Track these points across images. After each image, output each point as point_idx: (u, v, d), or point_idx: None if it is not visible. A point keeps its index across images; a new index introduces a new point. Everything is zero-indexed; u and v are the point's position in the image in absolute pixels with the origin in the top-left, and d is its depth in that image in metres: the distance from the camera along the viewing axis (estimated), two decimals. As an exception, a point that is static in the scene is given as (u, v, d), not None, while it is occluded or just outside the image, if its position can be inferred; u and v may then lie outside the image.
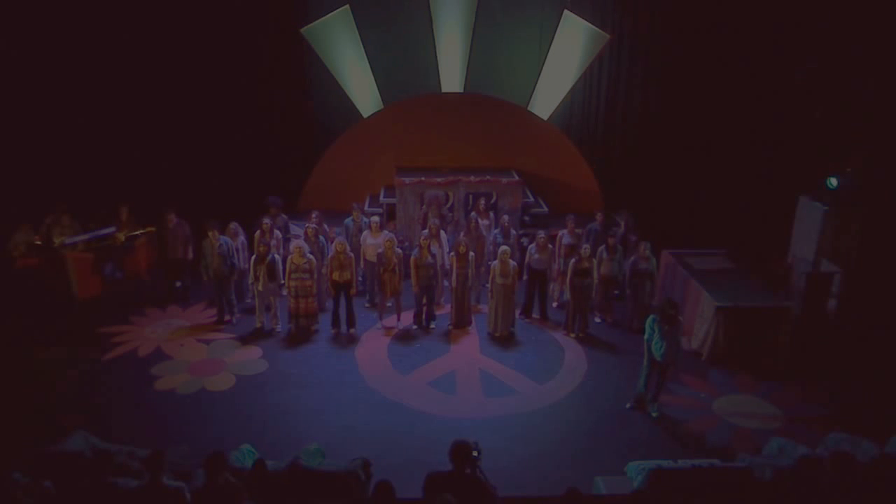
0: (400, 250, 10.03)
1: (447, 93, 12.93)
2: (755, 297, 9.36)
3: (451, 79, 12.90)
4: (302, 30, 12.25)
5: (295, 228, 11.34)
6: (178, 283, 11.03)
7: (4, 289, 9.96)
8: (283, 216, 11.18)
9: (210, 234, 9.84)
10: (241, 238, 10.51)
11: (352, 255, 9.81)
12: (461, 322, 10.11)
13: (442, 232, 10.65)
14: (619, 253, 10.15)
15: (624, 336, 10.00)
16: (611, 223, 11.32)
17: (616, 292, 10.51)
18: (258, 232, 10.23)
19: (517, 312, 10.24)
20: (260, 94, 12.92)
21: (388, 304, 10.20)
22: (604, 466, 6.63)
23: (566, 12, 12.42)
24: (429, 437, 7.48)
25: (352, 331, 9.95)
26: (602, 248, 10.08)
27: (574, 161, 13.05)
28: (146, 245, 11.05)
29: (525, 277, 10.37)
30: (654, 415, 8.02)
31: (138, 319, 10.26)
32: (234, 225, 10.46)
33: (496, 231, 10.72)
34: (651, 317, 7.79)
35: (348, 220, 10.83)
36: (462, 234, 10.67)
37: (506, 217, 10.81)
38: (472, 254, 9.86)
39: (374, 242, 10.18)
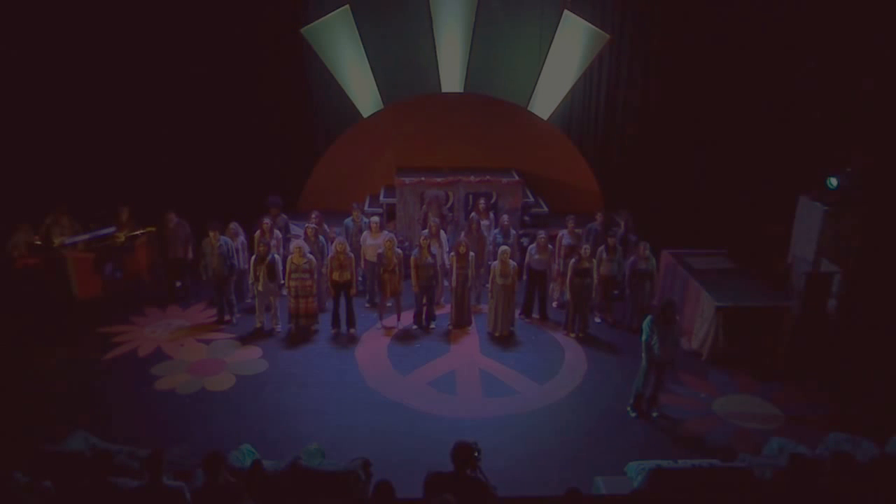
0: (400, 250, 10.03)
1: (447, 93, 12.92)
2: (755, 297, 9.36)
3: (451, 79, 12.90)
4: (302, 30, 12.24)
5: (295, 228, 11.34)
6: (178, 283, 11.03)
7: (4, 289, 9.95)
8: (284, 216, 11.18)
9: (211, 234, 9.84)
10: (241, 238, 10.51)
11: (352, 255, 9.81)
12: (461, 322, 10.11)
13: (442, 232, 10.65)
14: (619, 253, 10.15)
15: (624, 336, 10.00)
16: (611, 223, 11.31)
17: (616, 292, 10.50)
18: (258, 232, 10.23)
19: (517, 312, 10.25)
20: (260, 94, 12.91)
21: (388, 304, 10.20)
22: (604, 466, 6.63)
23: (566, 12, 12.42)
24: (429, 437, 7.49)
25: (352, 331, 9.95)
26: (602, 248, 10.08)
27: (574, 161, 13.04)
28: (146, 245, 11.04)
29: (525, 277, 10.37)
30: (654, 415, 8.02)
31: (138, 319, 10.27)
32: (234, 225, 10.46)
33: (496, 231, 10.72)
34: (648, 318, 7.79)
35: (348, 220, 10.83)
36: (462, 234, 10.67)
37: (506, 217, 10.81)
38: (472, 254, 9.86)
39: (374, 242, 10.18)
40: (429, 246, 9.86)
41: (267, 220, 10.40)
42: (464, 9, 12.44)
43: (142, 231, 10.98)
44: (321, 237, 10.37)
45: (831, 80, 11.75)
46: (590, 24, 12.44)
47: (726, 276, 9.95)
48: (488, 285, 9.87)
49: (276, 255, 9.93)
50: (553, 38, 12.59)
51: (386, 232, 10.55)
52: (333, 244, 9.73)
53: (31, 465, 5.37)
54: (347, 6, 12.33)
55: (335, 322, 9.96)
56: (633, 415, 8.03)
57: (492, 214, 11.34)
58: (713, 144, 13.06)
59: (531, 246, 10.20)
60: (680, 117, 13.19)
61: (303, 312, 9.73)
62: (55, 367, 8.96)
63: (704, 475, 5.66)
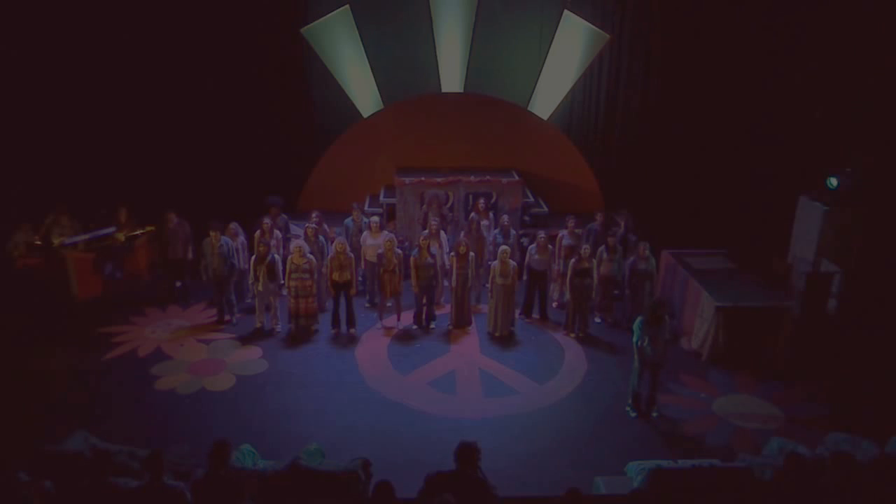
0: (400, 250, 10.03)
1: (447, 93, 12.92)
2: (755, 297, 9.35)
3: (451, 79, 12.90)
4: (302, 30, 12.24)
5: (295, 228, 11.34)
6: (178, 283, 11.03)
7: (4, 289, 9.96)
8: (284, 216, 11.18)
9: (212, 234, 9.83)
10: (241, 238, 10.51)
11: (352, 255, 9.81)
12: (461, 322, 10.11)
13: (442, 232, 10.65)
14: (619, 253, 10.15)
15: (624, 336, 9.97)
16: (611, 223, 11.31)
17: (616, 292, 10.50)
18: (258, 232, 10.23)
19: (517, 312, 10.25)
20: (260, 94, 12.91)
21: (388, 305, 10.20)
22: (604, 466, 6.64)
23: (566, 12, 12.41)
24: (429, 437, 7.49)
25: (352, 331, 9.95)
26: (602, 248, 10.07)
27: (574, 161, 13.04)
28: (146, 245, 11.05)
29: (525, 278, 10.37)
30: (653, 415, 8.02)
31: (138, 319, 10.26)
32: (234, 225, 10.46)
33: (496, 231, 10.72)
34: (638, 319, 7.79)
35: (348, 220, 10.83)
36: (462, 234, 10.67)
37: (506, 217, 10.81)
38: (472, 254, 9.86)
39: (374, 243, 10.18)
40: (428, 246, 9.86)
41: (267, 220, 10.40)
42: (464, 9, 12.44)
43: (142, 231, 10.98)
44: (321, 237, 10.37)
45: (831, 81, 11.75)
46: (590, 24, 12.43)
47: (726, 276, 9.95)
48: (488, 285, 9.87)
49: (276, 255, 9.93)
50: (553, 38, 12.58)
51: (386, 232, 10.55)
52: (333, 244, 9.73)
53: (31, 465, 5.37)
54: (347, 6, 12.33)
55: (335, 322, 9.96)
56: (633, 415, 8.03)
57: (492, 214, 11.34)
58: (713, 144, 13.06)
59: (531, 246, 10.20)
60: (680, 117, 13.18)
61: (303, 312, 9.73)
62: (55, 366, 8.96)
63: (704, 475, 5.66)
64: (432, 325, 10.16)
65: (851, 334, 9.75)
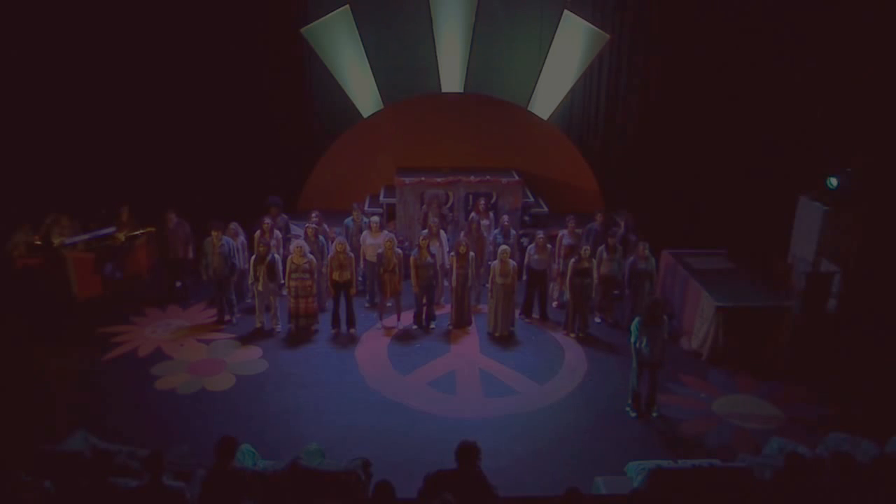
0: (400, 250, 10.04)
1: (447, 93, 12.92)
2: (755, 297, 9.36)
3: (451, 79, 12.90)
4: (302, 30, 12.24)
5: (295, 228, 11.34)
6: (178, 283, 11.03)
7: (4, 289, 9.95)
8: (284, 216, 11.18)
9: (213, 233, 9.83)
10: (241, 238, 10.51)
11: (352, 255, 9.81)
12: (461, 322, 10.11)
13: (442, 232, 10.65)
14: (619, 253, 10.15)
15: (624, 336, 9.91)
16: (611, 223, 11.31)
17: (616, 292, 10.50)
18: (258, 232, 10.23)
19: (517, 312, 10.25)
20: (260, 94, 12.91)
21: (388, 304, 10.20)
22: (604, 466, 6.63)
23: (566, 12, 12.42)
24: (429, 437, 7.49)
25: (352, 331, 9.95)
26: (602, 248, 10.07)
27: (574, 161, 13.04)
28: (146, 245, 11.05)
29: (525, 277, 10.37)
30: (653, 415, 8.02)
31: (138, 319, 10.26)
32: (234, 225, 10.46)
33: (496, 231, 10.72)
34: (636, 320, 7.79)
35: (348, 220, 10.83)
36: (462, 234, 10.67)
37: (506, 217, 10.81)
38: (472, 254, 9.86)
39: (374, 242, 10.18)
40: (428, 246, 9.86)
41: (267, 220, 10.40)
42: (464, 9, 12.44)
43: (142, 231, 10.98)
44: (321, 237, 10.37)
45: (831, 81, 11.75)
46: (590, 24, 12.44)
47: (726, 276, 9.95)
48: (488, 285, 9.87)
49: (276, 255, 9.92)
50: (553, 38, 12.58)
51: (386, 232, 10.55)
52: (333, 244, 9.73)
53: (31, 465, 5.37)
54: (347, 6, 12.33)
55: (335, 322, 9.95)
56: (633, 415, 8.03)
57: (492, 214, 11.34)
58: (713, 144, 13.06)
59: (530, 246, 10.20)
60: (680, 117, 13.18)
61: (303, 312, 9.73)
62: (55, 366, 8.95)
63: (704, 475, 5.66)
64: (432, 325, 10.15)
65: (851, 334, 9.75)
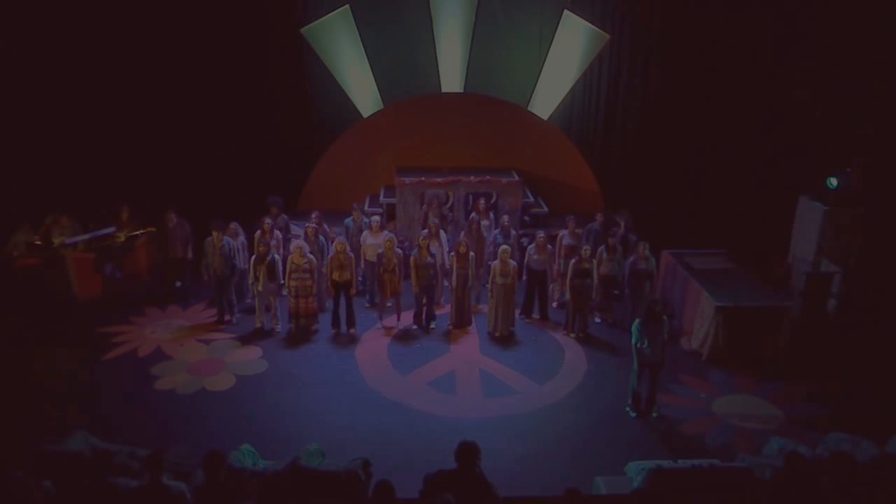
0: (400, 250, 10.03)
1: (447, 93, 12.92)
2: (755, 297, 9.36)
3: (451, 79, 12.90)
4: (302, 30, 12.25)
5: (295, 228, 11.34)
6: (178, 283, 11.02)
7: (4, 289, 9.95)
8: (284, 216, 11.18)
9: (214, 233, 9.83)
10: (242, 238, 10.51)
11: (352, 255, 9.81)
12: (461, 322, 10.11)
13: (442, 232, 10.65)
14: (619, 253, 10.14)
15: (624, 336, 9.93)
16: (611, 223, 11.30)
17: (616, 292, 10.50)
18: (258, 232, 10.23)
19: (517, 312, 10.25)
20: (260, 94, 12.91)
21: (388, 304, 10.20)
22: (604, 466, 6.64)
23: (566, 12, 12.42)
24: (429, 437, 7.49)
25: (352, 331, 9.95)
26: (602, 248, 10.07)
27: (574, 161, 13.04)
28: (146, 245, 11.04)
29: (525, 278, 10.37)
30: (653, 415, 8.02)
31: (138, 319, 10.26)
32: (234, 225, 10.46)
33: (496, 231, 10.72)
34: (636, 321, 7.79)
35: (348, 220, 10.83)
36: (462, 234, 10.67)
37: (506, 217, 10.81)
38: (472, 254, 9.86)
39: (374, 242, 10.18)
40: (428, 246, 9.86)
41: (267, 220, 10.40)
42: (464, 9, 12.44)
43: (142, 231, 10.97)
44: (321, 237, 10.37)
45: (831, 81, 11.74)
46: (590, 24, 12.44)
47: (726, 276, 9.95)
48: (488, 285, 9.87)
49: (276, 255, 9.93)
50: (553, 38, 12.58)
51: (386, 232, 10.55)
52: (333, 244, 9.73)
53: (31, 465, 5.37)
54: (347, 6, 12.33)
55: (335, 322, 9.96)
56: (633, 415, 8.03)
57: (492, 214, 11.34)
58: (713, 144, 13.06)
59: (530, 246, 10.20)
60: (680, 117, 13.19)
61: (303, 312, 9.73)
62: (55, 367, 8.95)
63: (704, 475, 5.66)
64: (432, 325, 10.15)
65: (851, 334, 9.74)
